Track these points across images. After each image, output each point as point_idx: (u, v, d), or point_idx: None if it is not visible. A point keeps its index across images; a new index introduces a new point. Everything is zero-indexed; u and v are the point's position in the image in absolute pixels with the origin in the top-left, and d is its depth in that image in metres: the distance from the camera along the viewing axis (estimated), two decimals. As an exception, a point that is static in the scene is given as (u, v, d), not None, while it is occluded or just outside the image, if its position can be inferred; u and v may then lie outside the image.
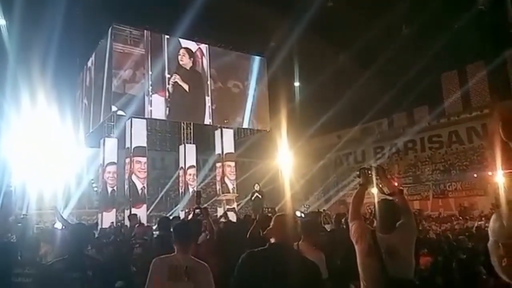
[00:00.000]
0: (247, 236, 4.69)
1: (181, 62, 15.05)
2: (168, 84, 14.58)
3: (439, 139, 18.68)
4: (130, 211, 12.47)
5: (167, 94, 14.46)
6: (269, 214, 5.22)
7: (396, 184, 3.08)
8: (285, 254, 2.31)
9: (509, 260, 1.03)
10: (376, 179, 2.91)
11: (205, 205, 16.16)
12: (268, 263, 2.26)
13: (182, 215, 11.68)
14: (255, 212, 10.67)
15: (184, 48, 15.22)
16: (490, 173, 15.17)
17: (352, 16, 14.83)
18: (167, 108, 14.49)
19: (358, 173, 3.01)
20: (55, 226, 6.93)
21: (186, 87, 14.92)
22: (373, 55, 14.98)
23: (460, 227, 10.96)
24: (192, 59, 15.34)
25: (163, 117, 14.89)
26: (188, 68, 15.22)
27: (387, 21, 13.84)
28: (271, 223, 2.50)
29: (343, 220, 6.85)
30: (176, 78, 14.74)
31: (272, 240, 2.40)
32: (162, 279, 2.70)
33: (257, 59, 17.12)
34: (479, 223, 11.36)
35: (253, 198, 12.49)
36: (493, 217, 1.14)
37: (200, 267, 2.77)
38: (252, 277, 2.26)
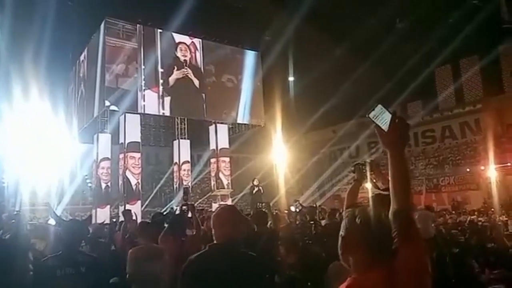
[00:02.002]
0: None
1: (185, 58, 15.11)
2: (172, 79, 14.59)
3: (432, 134, 18.78)
4: (125, 207, 12.42)
5: (160, 89, 14.39)
6: (264, 210, 5.23)
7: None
8: (226, 255, 2.14)
9: None
10: (371, 174, 2.91)
11: (200, 200, 16.22)
12: (209, 268, 2.10)
13: (178, 211, 11.66)
14: (252, 206, 10.70)
15: (183, 43, 15.21)
16: (482, 168, 15.30)
17: (346, 10, 14.82)
18: (168, 103, 14.47)
19: (353, 168, 3.01)
20: (49, 222, 6.88)
21: (196, 82, 15.00)
22: (368, 49, 14.98)
23: (453, 221, 11.04)
24: (187, 52, 15.34)
25: (156, 112, 14.81)
26: (183, 62, 15.20)
27: (381, 15, 13.85)
28: (212, 219, 2.32)
29: (337, 215, 6.90)
30: (189, 72, 14.79)
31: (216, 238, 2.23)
32: (137, 262, 3.51)
33: (251, 53, 17.05)
34: (472, 217, 11.45)
35: (254, 192, 12.47)
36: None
37: (162, 251, 3.63)
38: (195, 285, 2.11)
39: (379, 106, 1.47)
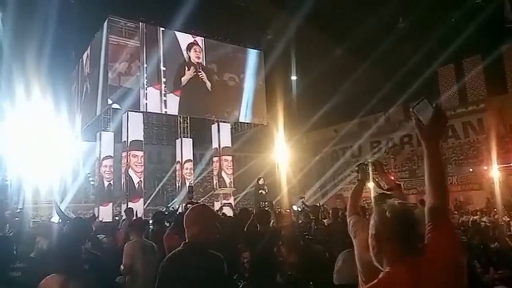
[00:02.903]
0: (244, 230, 4.69)
1: (198, 60, 15.21)
2: (184, 79, 14.68)
3: (435, 134, 18.74)
4: (127, 205, 12.45)
5: (163, 87, 14.43)
6: (267, 209, 5.23)
7: (393, 179, 3.05)
8: (193, 254, 2.19)
9: None
10: (374, 174, 2.91)
11: (202, 199, 16.24)
12: (183, 265, 2.16)
13: (180, 210, 11.68)
14: (255, 205, 10.69)
15: (197, 44, 15.37)
16: (485, 168, 15.26)
17: (349, 9, 14.79)
18: (179, 103, 14.56)
19: (356, 168, 3.01)
20: (52, 220, 6.92)
21: (209, 85, 15.21)
22: (370, 48, 14.96)
23: (455, 221, 11.03)
24: (192, 50, 15.43)
25: (159, 111, 14.84)
26: (187, 60, 15.29)
27: (383, 15, 13.82)
28: (186, 217, 2.33)
29: (340, 214, 6.90)
30: (202, 74, 15.03)
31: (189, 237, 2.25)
32: (133, 255, 3.84)
33: (254, 52, 17.05)
34: (474, 217, 11.42)
35: (259, 192, 12.42)
36: None
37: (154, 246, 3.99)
38: (170, 283, 2.16)
39: (424, 100, 1.49)
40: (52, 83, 15.05)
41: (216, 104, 15.68)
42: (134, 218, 6.22)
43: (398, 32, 14.99)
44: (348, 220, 2.91)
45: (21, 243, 4.04)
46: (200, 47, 15.48)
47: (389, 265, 1.39)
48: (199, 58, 15.33)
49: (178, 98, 14.66)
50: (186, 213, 2.42)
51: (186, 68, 15.02)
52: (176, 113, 15.35)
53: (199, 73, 15.15)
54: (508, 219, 8.77)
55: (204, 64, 15.57)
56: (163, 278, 2.17)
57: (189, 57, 15.20)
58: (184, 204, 10.84)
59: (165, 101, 14.44)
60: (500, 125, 16.16)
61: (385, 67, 16.37)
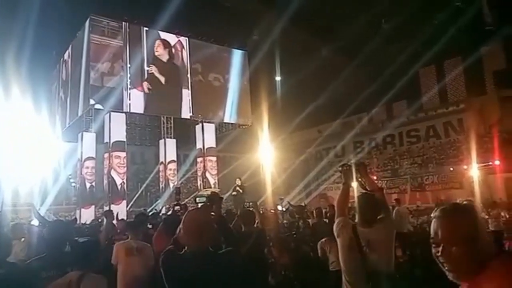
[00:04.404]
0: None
1: (156, 53, 14.85)
2: (146, 75, 14.39)
3: (417, 134, 19.04)
4: (110, 207, 12.28)
5: (145, 87, 14.25)
6: (251, 209, 5.22)
7: (375, 179, 3.09)
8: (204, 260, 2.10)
9: None
10: (358, 175, 2.94)
11: (186, 200, 16.10)
12: (189, 268, 2.08)
13: (163, 211, 11.57)
14: (236, 207, 10.67)
15: (160, 39, 15.01)
16: (465, 167, 15.55)
17: (333, 11, 14.91)
18: (144, 101, 14.29)
19: (340, 169, 3.03)
20: (32, 223, 6.75)
21: (162, 79, 14.74)
22: (354, 49, 15.10)
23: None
24: (167, 50, 15.14)
25: (142, 111, 14.68)
26: (164, 60, 15.03)
27: (367, 16, 13.98)
28: (182, 221, 2.23)
29: (324, 214, 6.95)
30: (153, 69, 14.56)
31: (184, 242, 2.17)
32: (121, 256, 3.82)
33: (238, 52, 17.03)
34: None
35: (233, 193, 12.49)
36: None
37: (145, 247, 3.89)
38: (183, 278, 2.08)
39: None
40: (32, 82, 14.72)
41: (200, 104, 15.58)
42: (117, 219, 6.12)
43: (381, 33, 15.18)
44: (336, 221, 2.93)
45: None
46: (161, 41, 15.06)
47: (468, 280, 1.17)
48: (157, 51, 14.87)
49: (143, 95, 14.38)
50: (189, 217, 2.27)
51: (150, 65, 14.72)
52: (143, 112, 15.00)
53: (152, 68, 14.68)
54: (487, 216, 8.98)
55: (188, 64, 15.42)
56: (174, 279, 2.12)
57: (154, 53, 14.89)
58: (170, 206, 10.75)
59: (145, 100, 14.27)
60: (480, 125, 16.53)
61: (368, 68, 16.57)
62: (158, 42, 14.91)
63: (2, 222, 5.90)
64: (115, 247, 3.99)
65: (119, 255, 3.88)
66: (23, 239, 4.63)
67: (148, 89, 14.31)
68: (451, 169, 16.64)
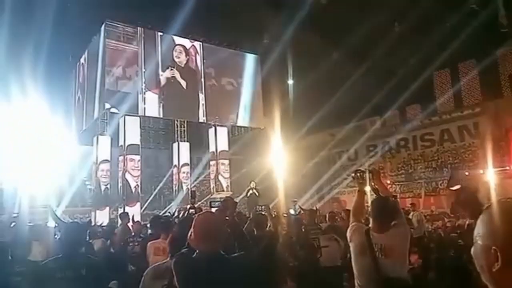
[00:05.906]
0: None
1: (177, 60, 15.05)
2: (163, 79, 14.57)
3: (431, 137, 18.79)
4: (124, 209, 12.42)
5: (163, 91, 14.43)
6: (263, 213, 5.23)
7: (389, 184, 3.10)
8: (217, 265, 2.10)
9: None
10: (371, 181, 2.95)
11: (199, 203, 16.18)
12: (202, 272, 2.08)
13: (176, 213, 11.64)
14: (250, 209, 10.69)
15: (180, 45, 15.19)
16: (481, 171, 15.30)
17: (345, 14, 14.86)
18: (161, 105, 14.46)
19: (353, 175, 3.04)
20: (48, 224, 6.88)
21: (184, 84, 14.94)
22: (367, 52, 15.02)
23: (451, 224, 11.04)
24: (185, 54, 15.33)
25: (157, 115, 14.85)
26: (183, 65, 15.20)
27: (380, 19, 13.89)
28: (193, 225, 2.21)
29: (337, 218, 6.92)
30: (175, 73, 14.75)
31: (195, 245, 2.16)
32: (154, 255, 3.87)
33: (251, 56, 17.10)
34: (470, 221, 11.43)
35: (248, 195, 12.50)
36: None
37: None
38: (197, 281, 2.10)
39: None
40: (48, 87, 14.98)
41: (214, 108, 15.69)
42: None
43: (394, 36, 15.07)
44: (350, 225, 2.95)
45: (17, 248, 4.02)
46: (182, 46, 15.34)
47: None
48: (178, 58, 15.20)
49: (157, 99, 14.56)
50: (198, 221, 2.27)
51: (168, 69, 14.96)
52: (158, 116, 15.25)
53: (172, 73, 14.99)
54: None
55: (184, 65, 15.51)
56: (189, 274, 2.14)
57: (173, 58, 15.15)
58: (182, 208, 10.81)
59: (163, 104, 14.45)
60: (495, 129, 16.24)
61: (381, 71, 16.44)
62: (178, 48, 15.14)
63: (21, 224, 6.03)
64: (148, 247, 4.06)
65: (153, 254, 3.93)
66: (40, 240, 4.73)
67: (165, 93, 14.49)
68: (467, 173, 16.39)
